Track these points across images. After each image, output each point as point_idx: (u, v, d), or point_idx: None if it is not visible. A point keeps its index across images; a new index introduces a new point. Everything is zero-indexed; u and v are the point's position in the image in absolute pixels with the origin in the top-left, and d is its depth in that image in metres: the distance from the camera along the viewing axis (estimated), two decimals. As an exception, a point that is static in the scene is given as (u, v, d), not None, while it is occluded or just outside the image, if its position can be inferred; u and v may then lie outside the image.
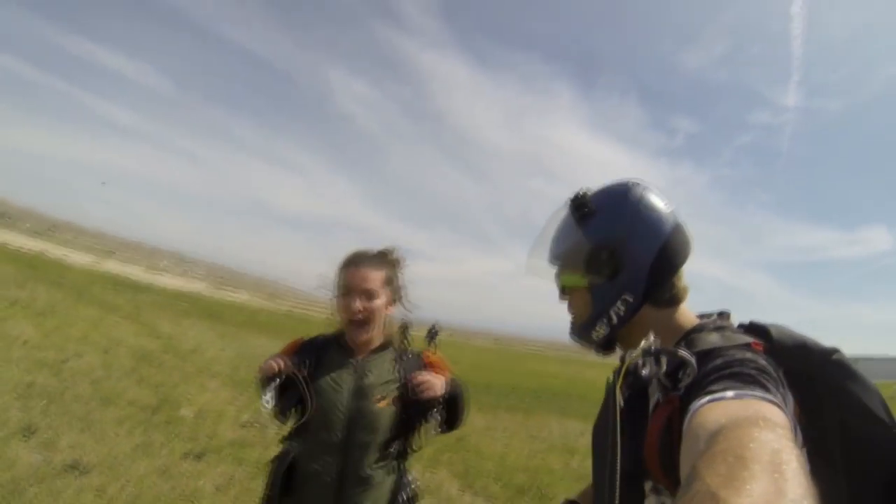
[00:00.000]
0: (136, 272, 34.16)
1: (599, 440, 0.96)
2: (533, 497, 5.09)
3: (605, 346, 1.05)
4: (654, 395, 0.88)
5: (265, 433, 5.53)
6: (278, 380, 1.59)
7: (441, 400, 1.66)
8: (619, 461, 0.73)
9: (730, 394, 0.68)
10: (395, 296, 1.78)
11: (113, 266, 33.13)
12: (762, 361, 0.79)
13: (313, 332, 1.84)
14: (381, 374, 1.68)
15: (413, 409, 1.67)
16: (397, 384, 1.69)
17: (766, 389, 0.70)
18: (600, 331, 1.01)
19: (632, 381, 0.85)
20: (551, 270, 1.12)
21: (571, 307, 1.09)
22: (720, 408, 0.66)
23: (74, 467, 3.57)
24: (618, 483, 0.73)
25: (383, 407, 1.63)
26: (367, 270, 1.67)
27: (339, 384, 1.64)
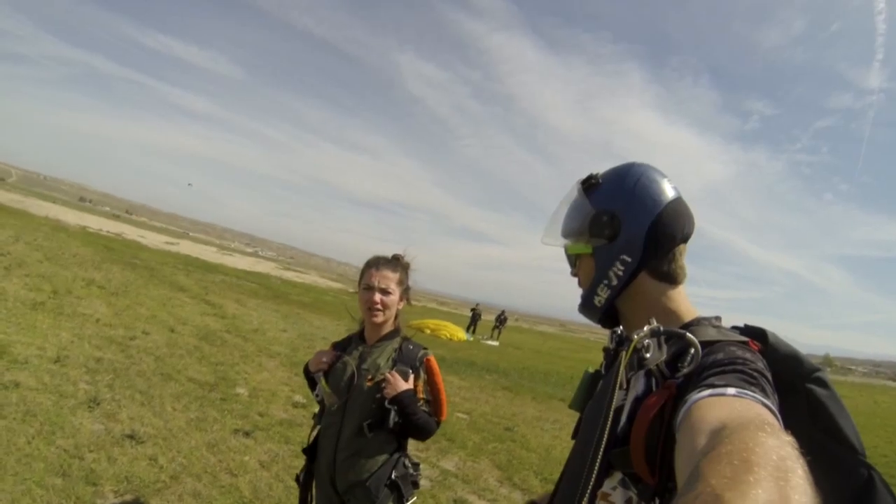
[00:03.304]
0: (207, 252, 36.41)
1: (589, 421, 1.01)
2: (572, 493, 5.07)
3: (608, 316, 1.12)
4: (639, 382, 0.90)
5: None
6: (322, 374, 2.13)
7: (392, 403, 1.98)
8: (603, 442, 0.77)
9: (731, 391, 0.70)
10: (405, 295, 2.22)
11: (186, 246, 35.47)
12: (760, 364, 0.82)
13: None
14: (380, 358, 2.09)
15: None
16: (389, 370, 2.06)
17: (765, 394, 0.72)
18: (602, 294, 1.09)
19: (634, 363, 0.87)
20: (562, 245, 1.22)
21: (580, 279, 1.18)
22: (722, 404, 0.68)
23: (132, 437, 4.02)
24: (597, 465, 0.76)
25: (370, 386, 2.03)
26: (385, 271, 2.12)
27: (346, 365, 2.10)
